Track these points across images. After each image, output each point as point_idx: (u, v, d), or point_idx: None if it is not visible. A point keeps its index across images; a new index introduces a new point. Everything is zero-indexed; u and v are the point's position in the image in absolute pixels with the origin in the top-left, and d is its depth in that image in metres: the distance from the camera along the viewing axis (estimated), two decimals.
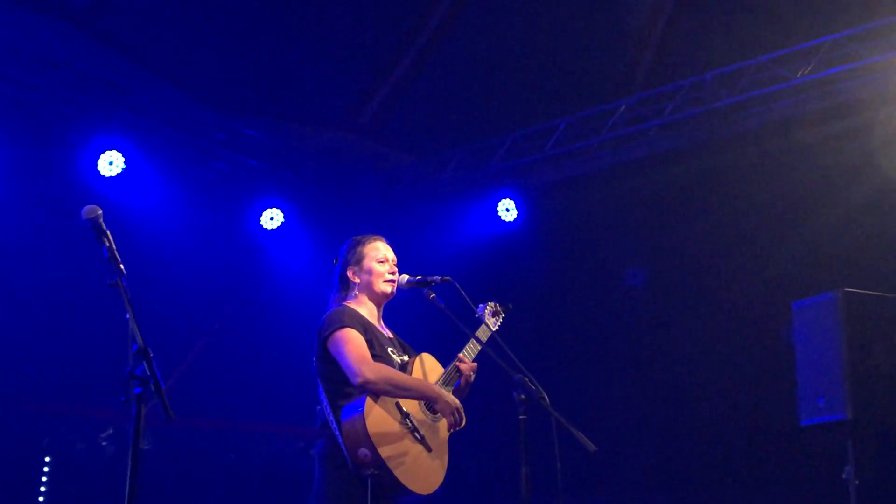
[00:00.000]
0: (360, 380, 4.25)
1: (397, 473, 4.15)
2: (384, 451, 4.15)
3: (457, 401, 4.43)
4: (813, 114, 8.98)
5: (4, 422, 9.23)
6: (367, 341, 4.42)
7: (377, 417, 4.22)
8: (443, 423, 4.50)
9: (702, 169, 9.77)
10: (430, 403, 4.43)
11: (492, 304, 4.90)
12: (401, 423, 4.30)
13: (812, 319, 6.44)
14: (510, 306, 4.94)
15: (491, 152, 10.80)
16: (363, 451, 4.14)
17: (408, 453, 4.25)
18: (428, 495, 4.31)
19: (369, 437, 4.14)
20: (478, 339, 4.53)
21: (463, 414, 4.43)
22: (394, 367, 4.47)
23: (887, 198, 8.52)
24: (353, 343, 4.36)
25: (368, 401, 4.23)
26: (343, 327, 4.41)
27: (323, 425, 4.40)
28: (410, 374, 4.53)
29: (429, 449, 4.35)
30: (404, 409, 4.34)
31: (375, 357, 4.40)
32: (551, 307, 10.55)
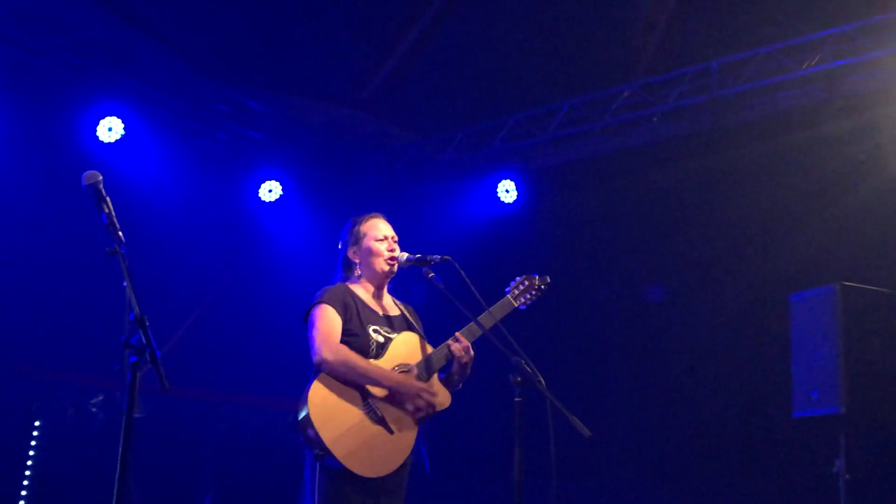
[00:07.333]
0: (317, 358, 4.26)
1: (339, 456, 4.12)
2: (326, 434, 4.12)
3: (420, 385, 4.34)
4: (818, 106, 8.93)
5: None
6: (346, 319, 4.39)
7: (327, 399, 4.19)
8: None
9: (704, 157, 9.72)
10: (392, 395, 4.31)
11: (530, 277, 4.76)
12: (358, 404, 4.25)
13: (809, 312, 6.43)
14: (548, 279, 4.84)
15: (493, 133, 10.75)
16: (310, 430, 4.13)
17: (357, 436, 4.18)
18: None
19: (311, 419, 4.13)
20: (479, 323, 4.44)
21: (431, 400, 4.32)
22: (369, 346, 4.39)
23: (891, 194, 8.47)
24: (323, 320, 4.35)
25: (317, 383, 4.21)
26: (320, 304, 4.41)
27: None
28: (383, 355, 4.42)
29: (389, 431, 4.28)
30: (366, 387, 4.30)
31: (350, 335, 4.37)
32: (547, 290, 10.49)
